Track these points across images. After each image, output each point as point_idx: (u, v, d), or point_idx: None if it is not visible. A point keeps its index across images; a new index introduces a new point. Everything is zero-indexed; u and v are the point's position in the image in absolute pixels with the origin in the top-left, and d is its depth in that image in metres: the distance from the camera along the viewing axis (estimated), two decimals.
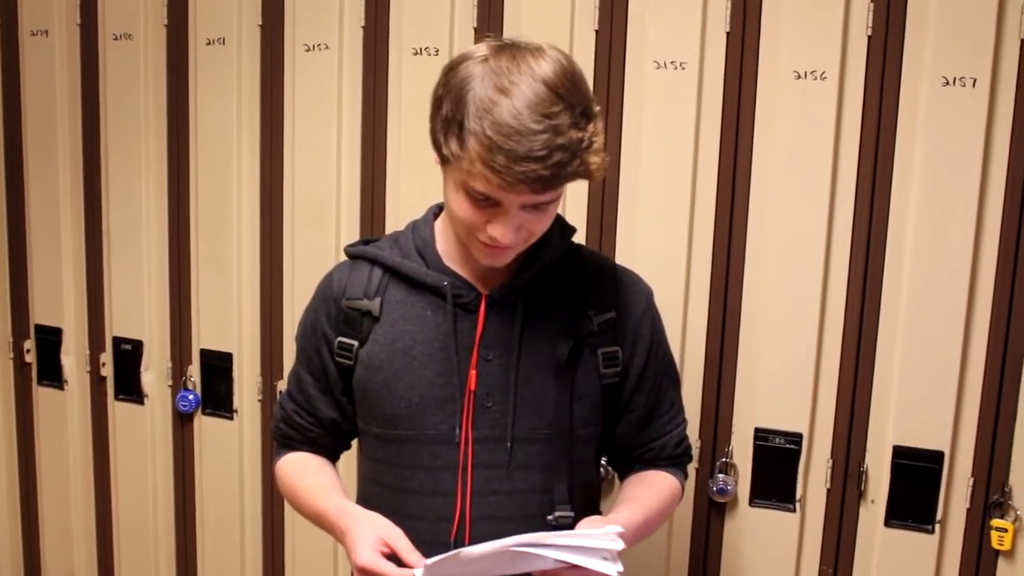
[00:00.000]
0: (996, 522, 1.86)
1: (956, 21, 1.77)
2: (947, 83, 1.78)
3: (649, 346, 1.57)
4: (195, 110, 2.38)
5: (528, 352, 1.48)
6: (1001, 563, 1.89)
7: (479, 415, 1.47)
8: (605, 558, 1.31)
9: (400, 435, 1.50)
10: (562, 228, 1.56)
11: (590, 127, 1.32)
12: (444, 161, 1.37)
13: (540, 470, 1.49)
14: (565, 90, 1.30)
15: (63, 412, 2.68)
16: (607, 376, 1.53)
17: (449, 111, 1.32)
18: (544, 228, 1.43)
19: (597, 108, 1.36)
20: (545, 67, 1.30)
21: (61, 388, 2.67)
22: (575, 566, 1.31)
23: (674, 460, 1.64)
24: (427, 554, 1.37)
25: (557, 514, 1.48)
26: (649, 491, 1.57)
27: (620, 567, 1.31)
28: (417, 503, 1.49)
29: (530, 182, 1.28)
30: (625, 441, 1.61)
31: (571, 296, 1.52)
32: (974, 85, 1.76)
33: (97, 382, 2.64)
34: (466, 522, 1.47)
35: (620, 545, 1.31)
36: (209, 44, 2.34)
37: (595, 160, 1.33)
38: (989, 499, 1.88)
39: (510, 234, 1.35)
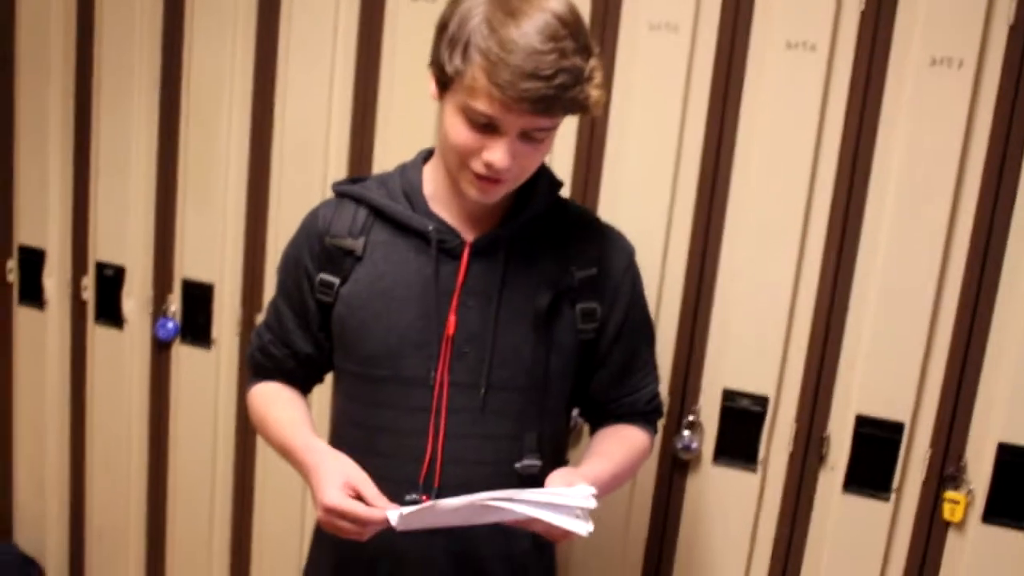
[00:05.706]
0: (949, 494, 1.90)
1: (948, 3, 1.78)
2: (934, 63, 1.79)
3: (628, 304, 1.59)
4: (190, 38, 2.37)
5: (508, 301, 1.49)
6: (951, 534, 1.93)
7: (455, 360, 1.48)
8: (577, 516, 1.32)
9: (376, 375, 1.51)
10: (550, 181, 1.56)
11: (592, 61, 1.35)
12: (444, 86, 1.38)
13: (512, 418, 1.51)
14: (572, 24, 1.33)
15: (42, 333, 2.70)
16: (584, 331, 1.55)
17: (455, 31, 1.34)
18: (535, 165, 1.44)
19: (597, 50, 1.38)
20: (553, 2, 1.32)
21: (41, 309, 2.68)
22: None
23: (645, 416, 1.66)
24: (395, 492, 1.40)
25: (525, 462, 1.51)
26: (619, 446, 1.59)
27: (591, 526, 1.33)
28: (389, 442, 1.51)
29: (532, 101, 1.29)
30: (598, 395, 1.63)
31: (555, 249, 1.53)
32: (960, 67, 1.78)
33: (78, 305, 2.65)
34: (436, 463, 1.48)
35: (593, 504, 1.33)
36: None
37: (595, 93, 1.36)
38: (944, 472, 1.92)
39: (507, 159, 1.35)
